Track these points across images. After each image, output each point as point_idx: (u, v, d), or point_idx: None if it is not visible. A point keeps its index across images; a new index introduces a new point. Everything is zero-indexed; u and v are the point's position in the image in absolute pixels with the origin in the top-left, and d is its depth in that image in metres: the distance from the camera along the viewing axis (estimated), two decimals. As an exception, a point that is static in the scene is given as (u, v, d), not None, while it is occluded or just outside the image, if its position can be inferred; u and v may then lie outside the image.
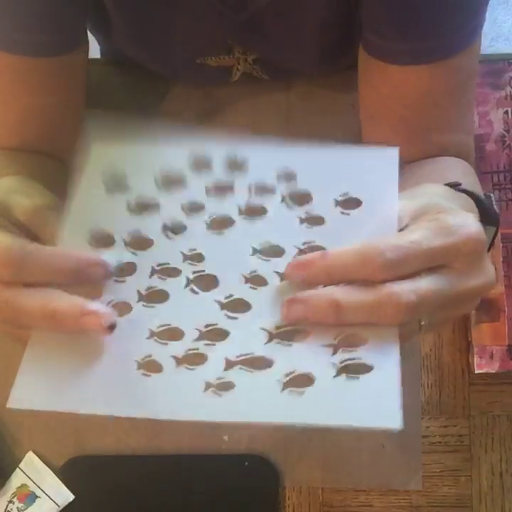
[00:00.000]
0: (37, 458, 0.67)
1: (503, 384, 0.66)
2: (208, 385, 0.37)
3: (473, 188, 0.46)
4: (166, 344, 0.38)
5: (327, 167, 0.43)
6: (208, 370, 0.37)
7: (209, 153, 0.43)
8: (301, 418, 0.37)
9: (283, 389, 0.37)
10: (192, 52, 0.63)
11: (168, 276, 0.40)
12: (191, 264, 0.40)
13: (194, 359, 0.38)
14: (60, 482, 0.66)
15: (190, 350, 0.38)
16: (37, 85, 0.56)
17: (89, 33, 0.62)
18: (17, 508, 0.66)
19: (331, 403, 0.37)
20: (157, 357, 0.38)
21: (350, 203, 0.41)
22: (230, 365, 0.38)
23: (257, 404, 0.37)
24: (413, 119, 0.57)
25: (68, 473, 0.67)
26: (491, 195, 0.49)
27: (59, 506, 0.66)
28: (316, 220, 0.41)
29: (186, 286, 0.40)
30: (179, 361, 0.38)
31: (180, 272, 0.40)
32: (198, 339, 0.38)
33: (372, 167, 0.42)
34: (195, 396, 0.37)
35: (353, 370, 0.37)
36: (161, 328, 0.39)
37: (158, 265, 0.40)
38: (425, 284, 0.36)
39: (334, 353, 0.37)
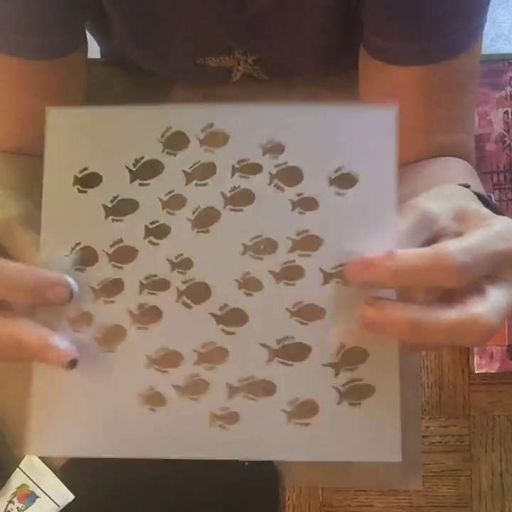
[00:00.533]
0: (37, 458, 0.67)
1: (503, 384, 0.66)
2: (213, 417, 0.37)
3: (478, 190, 0.46)
4: (166, 372, 0.37)
5: (318, 135, 0.38)
6: (211, 399, 0.37)
7: (183, 126, 0.38)
8: (305, 456, 0.37)
9: (288, 420, 0.37)
10: (192, 53, 0.63)
11: (157, 290, 0.38)
12: (180, 272, 0.38)
13: (196, 387, 0.37)
14: (60, 482, 0.66)
15: (191, 376, 0.37)
16: (36, 87, 0.56)
17: (88, 34, 0.62)
18: (17, 508, 0.66)
19: (334, 438, 0.37)
20: (159, 388, 0.37)
21: (345, 181, 0.37)
22: (233, 392, 0.37)
23: (264, 440, 0.37)
24: (414, 119, 0.57)
25: (68, 473, 0.67)
26: (491, 195, 0.49)
27: (59, 506, 0.66)
28: (309, 204, 0.37)
29: (178, 299, 0.38)
30: (182, 391, 0.37)
31: (169, 283, 0.38)
32: (198, 362, 0.37)
33: (368, 132, 0.37)
34: (201, 431, 0.37)
35: (355, 394, 0.37)
36: (159, 354, 0.38)
37: (146, 278, 0.38)
38: (498, 300, 0.34)
39: (336, 374, 0.37)
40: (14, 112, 0.57)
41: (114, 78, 0.74)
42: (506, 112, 0.69)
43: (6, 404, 0.68)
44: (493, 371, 0.65)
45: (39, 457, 0.67)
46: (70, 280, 0.37)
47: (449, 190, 0.42)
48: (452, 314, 0.33)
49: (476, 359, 0.65)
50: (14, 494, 0.66)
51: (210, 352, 0.37)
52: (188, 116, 0.38)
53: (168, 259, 0.38)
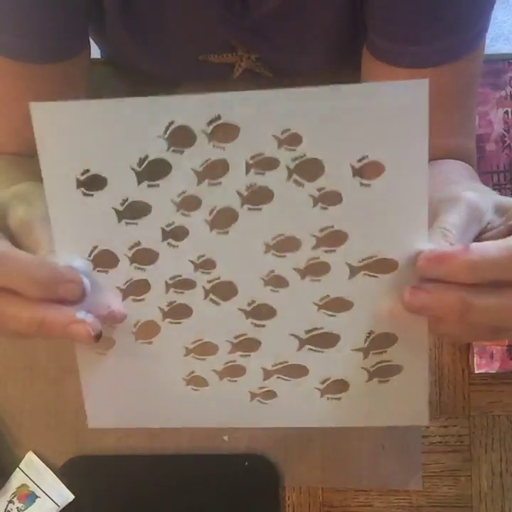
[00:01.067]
0: (37, 458, 0.67)
1: (503, 384, 0.66)
2: (253, 395, 0.39)
3: None
4: (204, 359, 0.39)
5: (339, 120, 0.34)
6: (249, 380, 0.39)
7: (187, 120, 0.34)
8: (338, 422, 0.39)
9: (321, 395, 0.39)
10: (194, 51, 0.63)
11: (184, 289, 0.38)
12: (204, 272, 0.37)
13: (234, 372, 0.39)
14: (60, 482, 0.66)
15: (228, 363, 0.39)
16: (40, 90, 0.56)
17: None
18: (17, 508, 0.66)
19: (364, 407, 0.39)
20: (200, 372, 0.39)
21: (370, 170, 0.34)
22: (268, 374, 0.39)
23: (299, 410, 0.39)
24: None
25: (68, 473, 0.67)
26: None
27: (59, 506, 0.66)
28: (331, 198, 0.34)
29: (205, 297, 0.38)
30: (221, 375, 0.39)
31: (195, 283, 0.37)
32: (232, 351, 0.39)
33: (395, 111, 0.33)
34: (244, 405, 0.39)
35: (383, 372, 0.38)
36: (195, 344, 0.39)
37: (171, 278, 0.37)
38: None
39: (365, 357, 0.37)
40: (17, 115, 0.57)
41: (114, 78, 0.74)
42: (506, 112, 0.69)
43: (6, 404, 0.68)
44: (493, 371, 0.65)
45: (39, 457, 0.67)
46: (85, 279, 0.37)
47: (470, 186, 0.42)
48: (501, 296, 0.33)
49: (476, 359, 0.65)
50: (14, 494, 0.66)
51: (242, 342, 0.39)
52: (192, 109, 0.34)
53: (190, 260, 0.37)
